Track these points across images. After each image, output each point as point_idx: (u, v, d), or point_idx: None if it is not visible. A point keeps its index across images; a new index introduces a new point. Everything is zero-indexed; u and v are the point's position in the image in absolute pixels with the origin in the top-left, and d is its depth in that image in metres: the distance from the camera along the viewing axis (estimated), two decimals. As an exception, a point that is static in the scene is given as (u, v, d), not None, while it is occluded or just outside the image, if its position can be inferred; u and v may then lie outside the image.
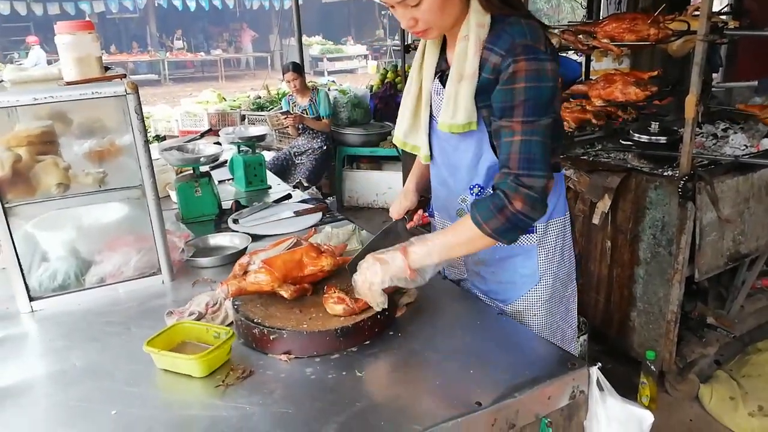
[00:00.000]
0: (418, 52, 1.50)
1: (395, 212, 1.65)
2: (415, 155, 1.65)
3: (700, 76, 2.30)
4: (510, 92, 1.25)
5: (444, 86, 1.40)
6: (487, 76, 1.30)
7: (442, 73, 1.44)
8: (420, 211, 1.64)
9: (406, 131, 1.53)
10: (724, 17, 2.98)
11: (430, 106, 1.48)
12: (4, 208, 1.49)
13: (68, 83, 1.59)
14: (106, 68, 1.75)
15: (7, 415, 1.15)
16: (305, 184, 4.88)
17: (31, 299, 1.57)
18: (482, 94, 1.32)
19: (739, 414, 2.48)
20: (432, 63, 1.46)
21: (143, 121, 1.58)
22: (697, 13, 2.45)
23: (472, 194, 1.46)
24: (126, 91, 1.52)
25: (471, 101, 1.32)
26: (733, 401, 2.54)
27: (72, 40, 1.59)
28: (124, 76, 1.65)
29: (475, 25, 1.29)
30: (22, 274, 1.55)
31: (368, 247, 1.48)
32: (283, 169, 5.13)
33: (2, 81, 1.84)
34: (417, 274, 1.31)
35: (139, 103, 1.57)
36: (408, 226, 1.62)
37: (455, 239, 1.32)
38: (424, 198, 1.72)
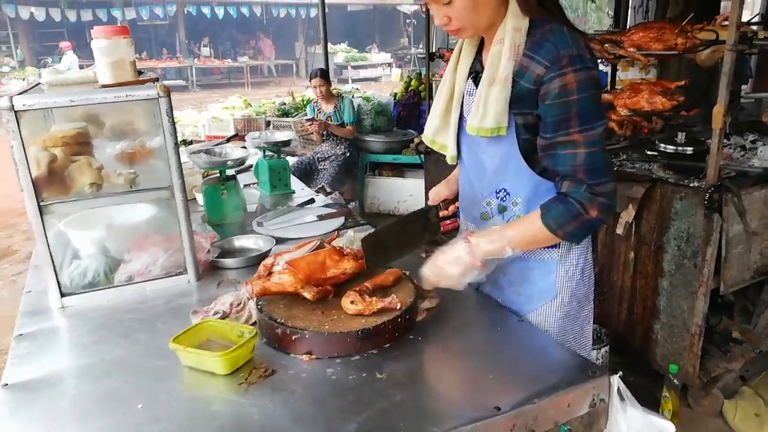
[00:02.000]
0: (454, 52, 1.52)
1: (432, 197, 1.66)
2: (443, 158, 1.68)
3: (728, 87, 2.28)
4: (563, 106, 1.26)
5: (476, 87, 1.41)
6: (527, 86, 1.29)
7: (476, 75, 1.45)
8: (457, 203, 1.63)
9: (436, 130, 1.55)
10: (754, 27, 2.95)
11: (462, 106, 1.48)
12: (39, 206, 1.54)
13: (103, 86, 1.64)
14: (139, 72, 1.80)
15: (38, 406, 1.19)
16: (328, 190, 4.93)
17: (62, 295, 1.62)
18: (519, 101, 1.31)
19: (764, 431, 2.43)
20: (467, 63, 1.47)
21: (174, 124, 1.62)
22: (726, 22, 2.43)
23: (497, 198, 1.47)
24: (158, 94, 1.57)
25: (502, 106, 1.32)
26: (758, 418, 2.49)
27: (107, 45, 1.64)
28: (157, 80, 1.70)
29: (512, 29, 1.29)
30: (55, 271, 1.60)
31: (393, 225, 1.48)
32: (306, 174, 5.18)
33: (39, 84, 1.91)
34: (484, 266, 1.37)
35: (171, 106, 1.61)
36: (441, 213, 1.61)
37: (523, 238, 1.36)
38: None
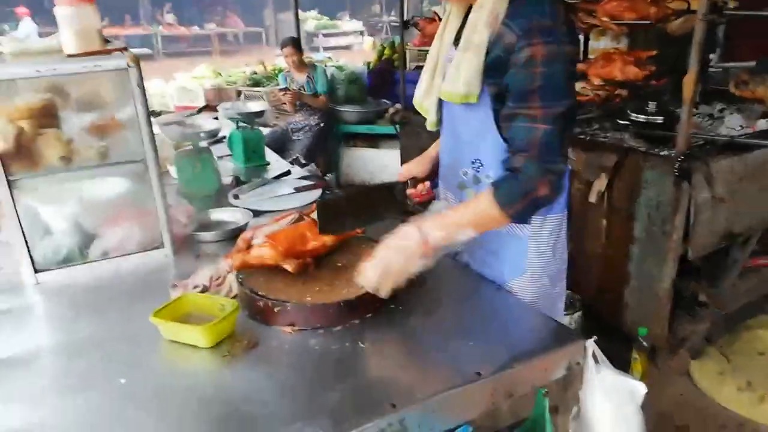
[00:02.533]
0: (444, 18, 1.51)
1: (402, 172, 1.63)
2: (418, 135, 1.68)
3: (698, 56, 2.31)
4: (528, 77, 1.24)
5: None
6: (499, 54, 1.28)
7: (458, 41, 1.42)
8: (426, 184, 1.61)
9: (423, 94, 1.55)
10: (724, -3, 2.98)
11: (444, 73, 1.47)
12: (8, 181, 1.50)
13: (69, 56, 1.58)
14: (106, 41, 1.74)
15: (15, 384, 1.18)
16: (302, 161, 4.88)
17: (36, 271, 1.59)
18: (492, 71, 1.30)
19: (728, 389, 2.55)
20: (453, 30, 1.46)
21: (145, 95, 1.59)
22: (697, -8, 2.45)
23: (473, 168, 1.48)
24: (128, 64, 1.52)
25: (473, 73, 1.31)
26: (722, 376, 2.61)
27: (72, 12, 1.58)
28: (125, 49, 1.64)
29: None
30: (27, 247, 1.57)
31: (354, 193, 1.41)
32: (280, 146, 5.11)
33: (1, 53, 1.83)
34: (433, 254, 1.30)
35: (141, 77, 1.57)
36: (411, 193, 1.58)
37: (472, 220, 1.31)
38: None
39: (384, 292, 1.29)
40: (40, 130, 1.63)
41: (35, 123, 1.63)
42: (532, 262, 1.49)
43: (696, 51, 2.32)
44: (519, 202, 1.28)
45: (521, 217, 1.32)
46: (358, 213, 1.45)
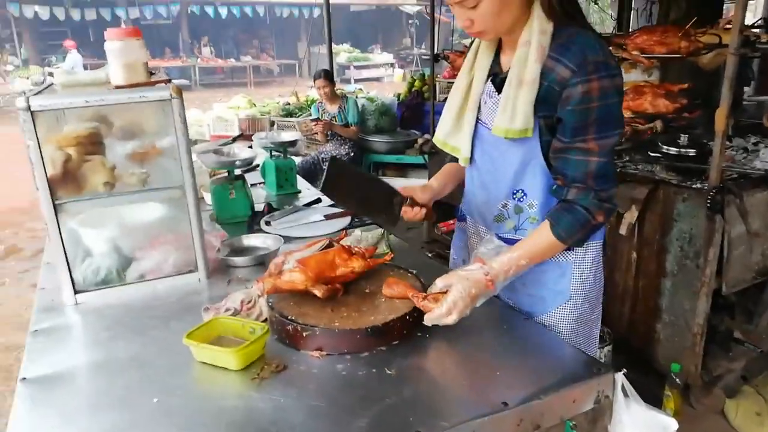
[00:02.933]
0: (469, 54, 1.52)
1: (406, 190, 1.59)
2: (445, 160, 1.70)
3: (730, 90, 2.30)
4: (584, 112, 1.28)
5: (497, 90, 1.42)
6: (551, 86, 1.31)
7: (494, 77, 1.46)
8: (423, 211, 1.58)
9: (448, 132, 1.55)
10: (756, 30, 2.97)
11: (478, 108, 1.49)
12: (54, 205, 1.57)
13: (116, 87, 1.67)
14: (150, 73, 1.83)
15: (55, 400, 1.22)
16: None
17: (76, 292, 1.65)
18: (543, 103, 1.33)
19: (766, 430, 2.46)
20: (485, 65, 1.47)
21: (186, 125, 1.66)
22: (729, 26, 2.45)
23: (514, 199, 1.49)
24: (171, 95, 1.60)
25: (530, 107, 1.33)
26: (759, 417, 2.51)
27: (121, 47, 1.67)
28: (170, 81, 1.73)
29: (538, 31, 1.30)
30: (69, 268, 1.63)
31: (365, 176, 1.37)
32: (311, 174, 5.21)
33: (52, 84, 1.94)
34: (495, 290, 1.36)
35: (183, 107, 1.64)
36: (407, 216, 1.57)
37: (535, 255, 1.38)
38: (436, 203, 1.68)
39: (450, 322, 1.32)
40: (86, 157, 1.71)
41: (82, 150, 1.72)
42: (575, 288, 1.51)
43: (728, 85, 2.31)
44: (578, 233, 1.35)
45: (579, 244, 1.43)
46: (357, 196, 1.45)
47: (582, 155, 1.32)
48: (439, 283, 1.36)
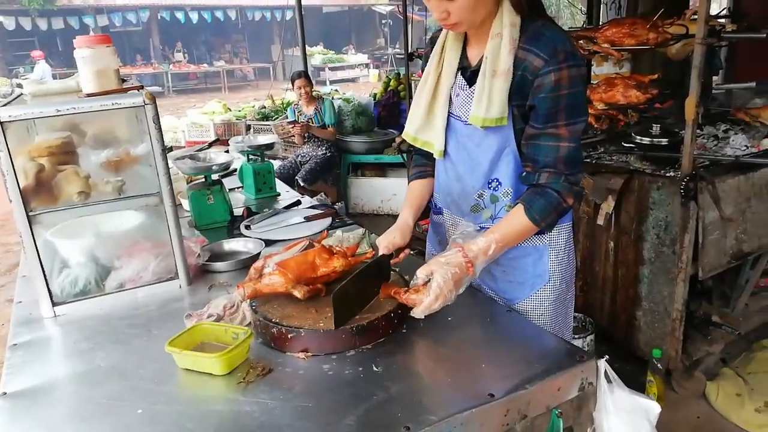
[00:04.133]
0: (436, 48, 1.54)
1: (384, 245, 1.56)
2: (409, 178, 1.73)
3: (699, 79, 2.35)
4: (555, 99, 1.34)
5: (467, 82, 1.46)
6: (525, 75, 1.36)
7: (464, 70, 1.49)
8: (407, 251, 1.58)
9: (419, 127, 1.57)
10: (722, 20, 3.04)
11: (450, 102, 1.52)
12: (28, 217, 1.54)
13: (88, 95, 1.64)
14: (122, 80, 1.81)
15: (38, 414, 1.20)
16: (301, 184, 4.94)
17: (53, 304, 1.62)
18: (516, 93, 1.38)
19: (746, 410, 2.51)
20: (454, 59, 1.50)
21: (161, 131, 1.64)
22: (695, 17, 2.50)
23: (489, 188, 1.52)
24: (144, 101, 1.58)
25: (505, 96, 1.38)
26: (739, 398, 2.57)
27: (91, 54, 1.65)
28: (142, 87, 1.71)
29: (509, 24, 1.36)
30: (45, 281, 1.60)
31: (354, 279, 1.39)
32: (290, 177, 5.19)
33: (22, 95, 1.90)
34: (475, 274, 1.38)
35: (157, 113, 1.62)
36: (393, 262, 1.56)
37: (511, 238, 1.42)
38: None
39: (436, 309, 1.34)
40: (59, 167, 1.68)
41: (54, 160, 1.69)
42: (552, 269, 1.56)
43: (695, 75, 2.35)
44: (551, 215, 1.41)
45: (550, 227, 1.48)
46: (360, 295, 1.43)
47: (553, 141, 1.38)
48: (420, 274, 1.37)
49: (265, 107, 7.45)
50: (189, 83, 20.78)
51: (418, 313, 1.34)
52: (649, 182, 2.61)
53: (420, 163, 1.73)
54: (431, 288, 1.32)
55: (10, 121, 1.48)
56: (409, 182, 1.78)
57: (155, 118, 1.62)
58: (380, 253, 1.55)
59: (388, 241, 1.56)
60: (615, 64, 4.13)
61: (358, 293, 1.41)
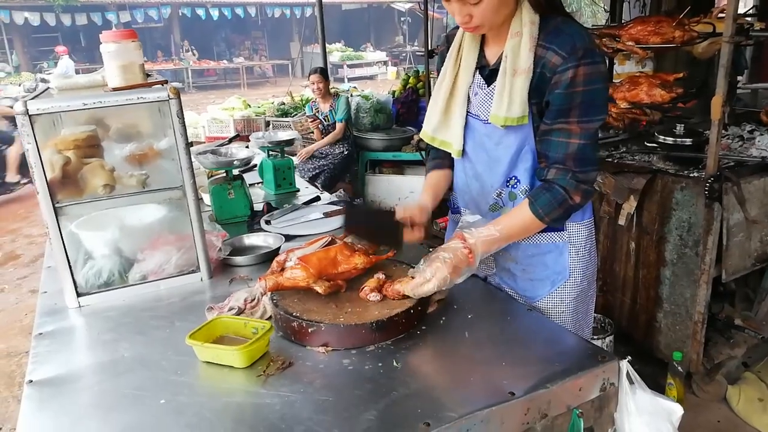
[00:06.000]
0: (453, 48, 1.53)
1: (401, 212, 1.57)
2: (426, 168, 1.73)
3: (726, 78, 2.31)
4: (570, 96, 1.33)
5: (486, 82, 1.45)
6: (543, 73, 1.35)
7: (482, 69, 1.48)
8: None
9: (436, 126, 1.57)
10: (749, 19, 2.98)
11: (468, 101, 1.51)
12: (54, 208, 1.57)
13: (113, 89, 1.66)
14: (147, 75, 1.83)
15: (63, 402, 1.22)
16: (320, 191, 4.94)
17: (78, 295, 1.65)
18: (536, 90, 1.37)
19: (768, 416, 2.47)
20: (471, 58, 1.49)
21: (184, 125, 1.65)
22: (722, 15, 2.46)
23: (508, 186, 1.51)
24: (169, 96, 1.60)
25: (526, 95, 1.37)
26: (761, 402, 2.53)
27: (117, 49, 1.67)
28: (166, 82, 1.72)
29: (529, 22, 1.35)
30: (71, 272, 1.63)
31: (376, 210, 1.44)
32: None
33: (48, 88, 1.93)
34: (475, 264, 1.40)
35: (181, 108, 1.64)
36: (405, 235, 1.56)
37: (514, 231, 1.43)
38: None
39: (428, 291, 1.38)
40: (85, 160, 1.71)
41: (80, 153, 1.72)
42: (573, 266, 1.55)
43: (723, 73, 2.32)
44: (555, 211, 1.39)
45: (557, 223, 1.45)
46: (369, 229, 1.51)
47: (563, 137, 1.37)
48: (421, 264, 1.40)
49: (284, 104, 7.48)
50: (209, 79, 20.95)
51: (407, 290, 1.38)
52: (673, 182, 2.57)
53: (437, 155, 1.73)
54: (424, 269, 1.36)
55: (38, 114, 1.50)
56: (426, 173, 1.77)
57: (179, 112, 1.63)
58: (397, 216, 1.56)
59: (407, 212, 1.57)
60: (637, 63, 4.08)
61: (370, 224, 1.50)
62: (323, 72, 5.27)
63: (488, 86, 1.45)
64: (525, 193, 1.49)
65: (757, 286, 2.90)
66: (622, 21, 4.03)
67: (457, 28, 1.50)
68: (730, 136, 3.00)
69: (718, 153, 2.40)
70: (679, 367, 2.54)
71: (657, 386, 2.59)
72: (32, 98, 1.58)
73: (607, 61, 3.82)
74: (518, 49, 1.36)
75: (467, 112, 1.52)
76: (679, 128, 2.80)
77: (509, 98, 1.37)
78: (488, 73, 1.46)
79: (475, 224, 1.45)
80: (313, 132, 5.36)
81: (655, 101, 2.73)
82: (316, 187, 4.77)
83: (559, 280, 1.55)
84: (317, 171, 5.19)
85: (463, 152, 1.56)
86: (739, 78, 4.62)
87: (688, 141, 2.74)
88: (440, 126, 1.56)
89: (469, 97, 1.51)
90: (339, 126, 5.27)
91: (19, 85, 15.61)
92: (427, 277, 1.36)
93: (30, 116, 1.49)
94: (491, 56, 1.47)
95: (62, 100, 1.59)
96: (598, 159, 1.42)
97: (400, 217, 1.56)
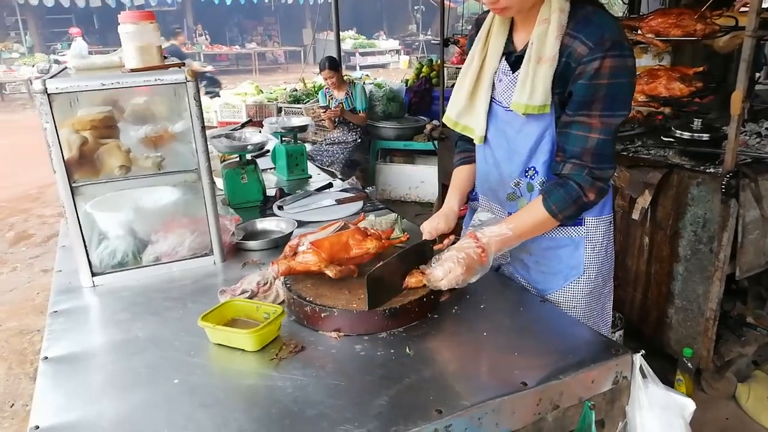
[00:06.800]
0: (481, 32, 1.51)
1: (429, 231, 1.56)
2: (454, 163, 1.72)
3: (747, 73, 2.28)
4: (593, 87, 1.30)
5: (511, 68, 1.43)
6: (569, 62, 1.32)
7: (509, 55, 1.46)
8: (452, 236, 1.56)
9: (460, 111, 1.55)
10: (772, 13, 2.93)
11: (493, 87, 1.49)
12: (71, 188, 1.57)
13: (132, 70, 1.66)
14: (164, 57, 1.82)
15: (78, 379, 1.23)
16: (339, 176, 4.94)
17: (93, 274, 1.66)
18: (560, 80, 1.34)
19: (778, 414, 2.46)
20: (499, 44, 1.47)
21: (201, 108, 1.65)
22: (745, 9, 2.42)
23: (526, 177, 1.50)
24: (186, 78, 1.59)
25: (549, 83, 1.34)
26: (771, 401, 2.51)
27: (135, 30, 1.67)
28: (183, 64, 1.72)
29: (558, 9, 1.32)
30: (86, 251, 1.64)
31: (394, 261, 1.41)
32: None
33: (66, 68, 1.93)
34: (489, 262, 1.40)
35: (198, 91, 1.64)
36: (436, 248, 1.54)
37: (527, 229, 1.42)
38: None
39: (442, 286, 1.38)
40: (102, 141, 1.71)
41: (97, 134, 1.72)
42: (588, 262, 1.53)
43: (744, 68, 2.28)
44: (569, 208, 1.37)
45: (569, 220, 1.43)
46: (398, 278, 1.44)
47: (583, 130, 1.34)
48: (435, 264, 1.40)
49: (296, 90, 7.45)
50: (221, 64, 20.90)
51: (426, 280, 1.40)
52: (689, 178, 2.54)
53: (464, 148, 1.72)
54: (435, 268, 1.37)
55: (57, 93, 1.50)
56: (453, 168, 1.76)
57: (196, 95, 1.63)
58: (424, 238, 1.55)
59: (432, 226, 1.57)
60: (655, 57, 4.02)
61: (395, 276, 1.41)
62: (333, 65, 5.18)
63: (513, 72, 1.43)
64: (542, 185, 1.48)
65: (771, 285, 2.88)
66: (641, 13, 3.98)
67: (488, 12, 1.48)
68: (748, 133, 2.96)
69: (736, 149, 2.37)
70: (689, 364, 2.53)
71: (666, 382, 2.53)
72: (50, 77, 1.58)
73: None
74: (545, 36, 1.33)
75: (491, 98, 1.50)
76: (697, 123, 2.76)
77: (531, 86, 1.35)
78: (514, 59, 1.44)
79: (487, 222, 1.44)
80: (325, 121, 5.34)
81: (674, 95, 2.69)
82: (333, 174, 4.79)
83: (572, 275, 1.53)
84: (331, 158, 5.18)
85: (486, 139, 1.54)
86: (758, 74, 4.55)
87: (705, 136, 2.70)
88: (465, 111, 1.54)
89: (494, 82, 1.49)
90: (363, 115, 5.25)
91: (33, 66, 15.70)
92: (439, 277, 1.37)
93: (48, 95, 1.49)
94: (519, 42, 1.44)
95: (81, 79, 1.59)
96: (614, 156, 1.39)
97: (427, 237, 1.55)
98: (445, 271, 1.36)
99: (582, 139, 1.34)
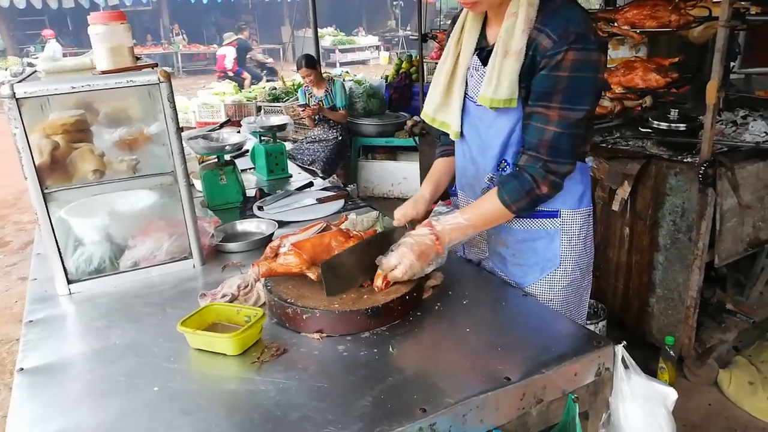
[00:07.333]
0: (455, 29, 1.51)
1: (399, 217, 1.59)
2: (435, 154, 1.72)
3: (721, 63, 2.30)
4: (552, 78, 1.29)
5: (483, 63, 1.43)
6: (535, 56, 1.32)
7: (481, 50, 1.46)
8: (425, 222, 1.53)
9: (436, 107, 1.55)
10: (745, 3, 2.96)
11: (466, 82, 1.49)
12: (43, 194, 1.54)
13: (102, 72, 1.63)
14: (136, 58, 1.79)
15: (55, 389, 1.21)
16: (321, 175, 4.92)
17: (69, 282, 1.63)
18: (527, 74, 1.34)
19: (758, 398, 2.50)
20: (472, 39, 1.47)
21: (175, 109, 1.63)
22: (718, -1, 2.45)
23: (499, 171, 1.50)
24: (159, 79, 1.57)
25: (515, 77, 1.34)
26: (752, 386, 2.55)
27: (105, 31, 1.63)
28: (156, 65, 1.69)
29: (526, 3, 1.32)
30: (61, 258, 1.61)
31: (356, 248, 1.42)
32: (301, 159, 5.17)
33: (35, 72, 1.89)
34: (445, 252, 1.41)
35: (171, 92, 1.61)
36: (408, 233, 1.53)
37: (482, 219, 1.42)
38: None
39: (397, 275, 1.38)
40: (74, 145, 1.68)
41: (69, 138, 1.69)
42: (565, 254, 1.53)
43: (718, 58, 2.30)
44: (522, 200, 1.38)
45: (524, 212, 1.43)
46: (362, 265, 1.44)
47: (541, 122, 1.34)
48: (393, 252, 1.41)
49: (275, 89, 7.41)
50: (199, 64, 20.68)
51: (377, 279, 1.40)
52: (667, 168, 2.57)
53: (446, 142, 1.72)
54: (390, 255, 1.38)
55: (25, 98, 1.47)
56: (434, 159, 1.76)
57: (170, 96, 1.60)
58: (393, 224, 1.56)
59: (401, 213, 1.59)
60: (632, 48, 4.06)
61: (359, 263, 1.42)
62: (310, 62, 5.15)
63: (484, 67, 1.43)
64: None
65: (749, 271, 2.92)
66: (617, 5, 4.01)
67: (463, 9, 1.47)
68: (724, 122, 3.00)
69: (712, 138, 2.40)
70: (671, 352, 2.56)
71: (648, 370, 2.57)
72: (18, 81, 1.54)
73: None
74: (512, 30, 1.33)
75: (465, 93, 1.50)
76: (674, 114, 2.79)
77: (497, 79, 1.35)
78: (486, 54, 1.44)
79: (445, 213, 1.47)
80: (305, 119, 5.31)
81: (650, 86, 2.72)
82: (314, 173, 4.76)
83: (548, 268, 1.53)
84: (312, 157, 5.15)
85: (462, 134, 1.55)
86: (732, 63, 4.61)
87: (682, 126, 2.73)
88: (440, 107, 1.55)
89: (467, 78, 1.49)
90: (344, 112, 5.22)
91: (5, 70, 15.38)
92: (393, 264, 1.38)
93: (17, 100, 1.46)
94: (491, 37, 1.45)
95: (50, 83, 1.55)
96: (575, 153, 1.37)
97: (395, 224, 1.57)
98: (398, 257, 1.37)
99: (539, 131, 1.34)
